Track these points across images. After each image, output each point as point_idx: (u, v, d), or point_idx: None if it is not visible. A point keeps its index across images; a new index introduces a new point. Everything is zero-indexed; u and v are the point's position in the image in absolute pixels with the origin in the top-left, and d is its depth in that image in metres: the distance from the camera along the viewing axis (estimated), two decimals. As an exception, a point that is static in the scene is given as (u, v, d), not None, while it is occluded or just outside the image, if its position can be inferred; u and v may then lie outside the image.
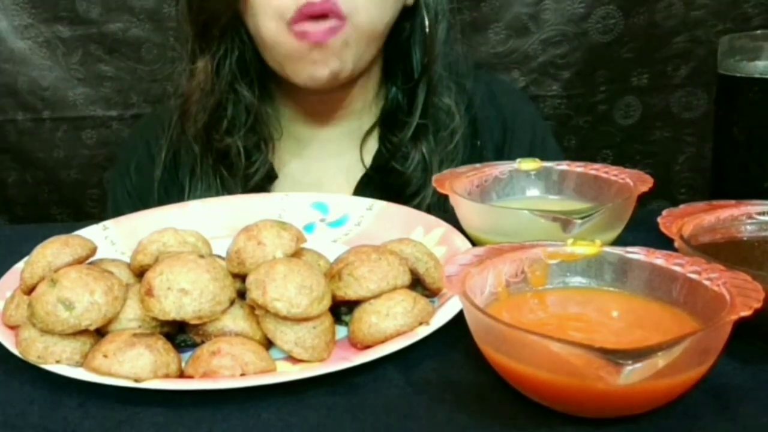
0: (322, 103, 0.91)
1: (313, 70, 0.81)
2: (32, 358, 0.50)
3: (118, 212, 0.93)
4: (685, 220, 0.56)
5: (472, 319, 0.46)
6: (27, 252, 0.56)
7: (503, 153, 0.94)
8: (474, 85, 0.95)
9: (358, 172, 0.92)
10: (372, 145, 0.92)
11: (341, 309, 0.55)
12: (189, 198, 0.89)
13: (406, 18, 0.88)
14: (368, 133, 0.92)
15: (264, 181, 0.90)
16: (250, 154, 0.89)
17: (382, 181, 0.90)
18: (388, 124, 0.91)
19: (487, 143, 0.94)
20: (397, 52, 0.89)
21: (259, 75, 0.89)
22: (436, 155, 0.89)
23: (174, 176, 0.93)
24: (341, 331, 0.55)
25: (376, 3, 0.81)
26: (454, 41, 0.92)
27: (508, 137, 0.95)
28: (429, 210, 0.85)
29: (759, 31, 0.71)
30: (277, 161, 0.93)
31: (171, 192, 0.92)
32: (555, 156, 0.94)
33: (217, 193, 0.89)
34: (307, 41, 0.79)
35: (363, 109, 0.93)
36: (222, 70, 0.87)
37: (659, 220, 0.56)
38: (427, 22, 0.88)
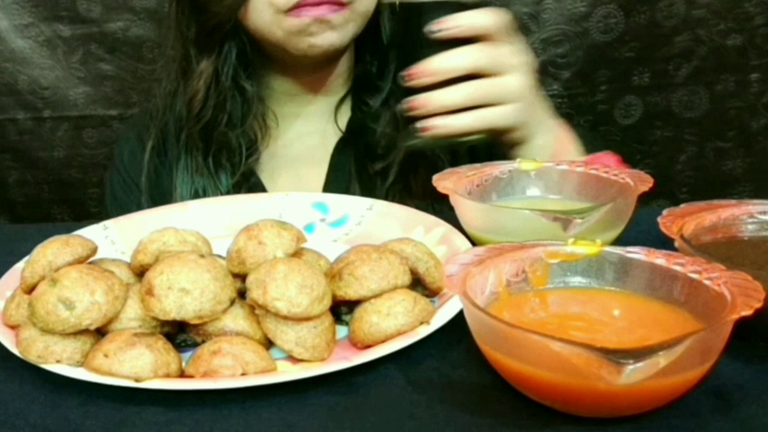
0: (312, 81, 0.95)
1: (313, 39, 0.84)
2: (32, 358, 0.50)
3: (113, 198, 0.98)
4: (685, 220, 0.56)
5: (472, 318, 0.46)
6: (27, 252, 0.56)
7: None
8: None
9: (334, 139, 0.96)
10: (344, 113, 0.97)
11: (341, 309, 0.55)
12: (178, 180, 0.92)
13: None
14: (341, 102, 0.97)
15: (253, 161, 0.93)
16: (248, 145, 0.93)
17: (357, 143, 0.95)
18: (360, 91, 0.96)
19: None
20: (368, 27, 0.93)
21: (256, 64, 0.93)
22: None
23: (163, 159, 0.96)
24: (341, 331, 0.54)
25: None
26: None
27: None
28: (403, 165, 0.91)
29: None
30: (265, 139, 0.96)
31: (161, 173, 0.95)
32: None
33: (209, 176, 0.91)
34: (306, 16, 0.82)
35: (340, 85, 0.97)
36: (225, 68, 0.90)
37: (659, 219, 0.56)
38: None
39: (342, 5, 0.82)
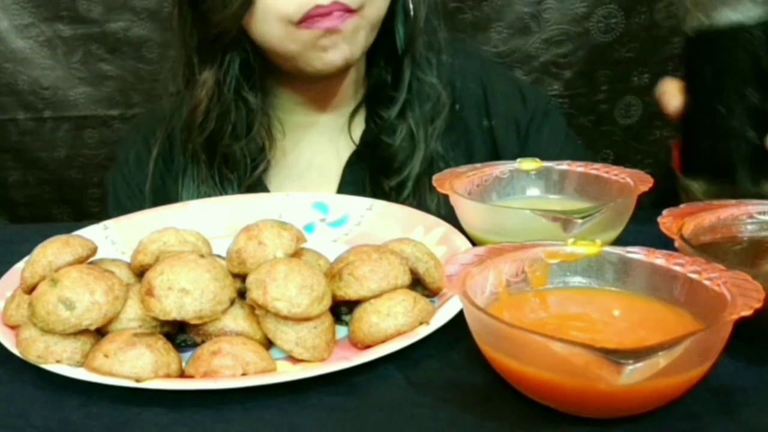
0: (321, 91, 0.93)
1: (326, 55, 0.82)
2: (33, 358, 0.50)
3: (117, 203, 0.96)
4: (685, 220, 0.56)
5: (472, 318, 0.46)
6: (28, 252, 0.56)
7: (486, 107, 0.96)
8: (452, 55, 0.96)
9: (347, 151, 0.94)
10: (359, 124, 0.94)
11: (341, 309, 0.55)
12: (184, 190, 0.91)
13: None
14: (355, 112, 0.94)
15: (260, 172, 0.92)
16: (254, 156, 0.91)
17: (372, 156, 0.92)
18: (374, 101, 0.93)
19: (466, 103, 0.96)
20: (381, 33, 0.90)
21: (260, 74, 0.91)
22: (422, 127, 0.91)
23: (169, 165, 0.95)
24: (341, 331, 0.54)
25: None
26: (432, 18, 0.94)
27: (488, 91, 0.97)
28: (418, 181, 0.88)
29: None
30: (272, 150, 0.94)
31: (167, 181, 0.94)
32: (536, 95, 0.98)
33: (214, 186, 0.90)
34: (318, 28, 0.80)
35: (352, 93, 0.95)
36: (227, 78, 0.88)
37: (659, 220, 0.56)
38: (411, 6, 0.90)
39: (351, 11, 0.80)
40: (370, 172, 0.91)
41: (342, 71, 0.87)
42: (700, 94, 0.66)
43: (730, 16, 0.62)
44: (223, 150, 0.90)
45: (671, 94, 0.68)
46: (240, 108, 0.89)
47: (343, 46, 0.82)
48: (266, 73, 0.91)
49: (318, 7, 0.79)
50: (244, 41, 0.87)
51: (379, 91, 0.93)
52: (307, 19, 0.79)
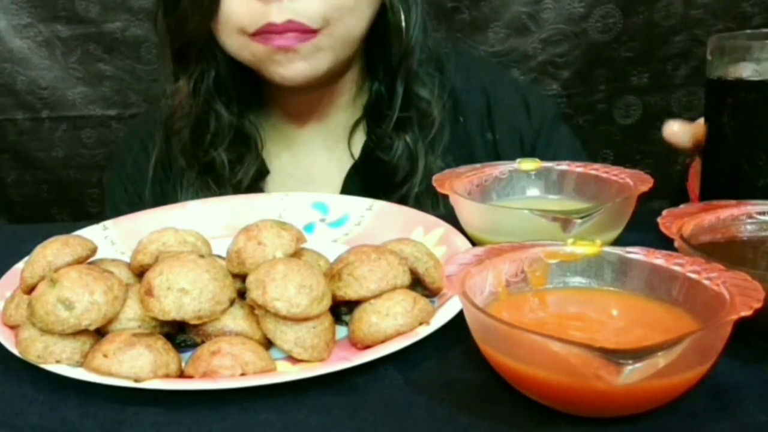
0: (307, 102, 0.92)
1: (282, 70, 0.82)
2: (32, 358, 0.50)
3: (116, 209, 0.95)
4: (685, 220, 0.56)
5: (471, 318, 0.46)
6: (27, 252, 0.56)
7: (489, 119, 0.95)
8: (454, 64, 0.95)
9: (348, 164, 0.93)
10: (360, 137, 0.93)
11: (341, 309, 0.55)
12: (183, 196, 0.91)
13: (382, 12, 0.87)
14: (355, 125, 0.93)
15: (256, 179, 0.91)
16: (234, 165, 0.90)
17: (371, 171, 0.91)
18: (372, 116, 0.92)
19: (469, 115, 0.94)
20: (376, 45, 0.89)
21: (240, 86, 0.90)
22: (421, 144, 0.89)
23: (168, 172, 0.94)
24: (341, 331, 0.54)
25: (351, 11, 0.82)
26: (431, 30, 0.92)
27: (492, 103, 0.95)
28: (419, 198, 0.87)
29: (747, 31, 0.67)
30: (267, 157, 0.94)
31: (165, 188, 0.94)
32: (541, 105, 0.96)
33: (208, 192, 0.90)
34: (271, 45, 0.79)
35: (348, 103, 0.94)
36: (199, 88, 0.88)
37: (659, 220, 0.56)
38: (402, 16, 0.88)
39: (310, 32, 0.79)
40: (369, 188, 0.89)
41: (309, 83, 0.85)
42: (723, 146, 0.66)
43: (756, 69, 0.62)
44: (201, 158, 0.90)
45: (681, 134, 0.68)
46: (218, 118, 0.89)
47: (299, 64, 0.81)
48: (257, 84, 0.91)
49: (270, 24, 0.78)
50: (218, 53, 0.86)
51: (377, 105, 0.91)
52: (260, 33, 0.79)
